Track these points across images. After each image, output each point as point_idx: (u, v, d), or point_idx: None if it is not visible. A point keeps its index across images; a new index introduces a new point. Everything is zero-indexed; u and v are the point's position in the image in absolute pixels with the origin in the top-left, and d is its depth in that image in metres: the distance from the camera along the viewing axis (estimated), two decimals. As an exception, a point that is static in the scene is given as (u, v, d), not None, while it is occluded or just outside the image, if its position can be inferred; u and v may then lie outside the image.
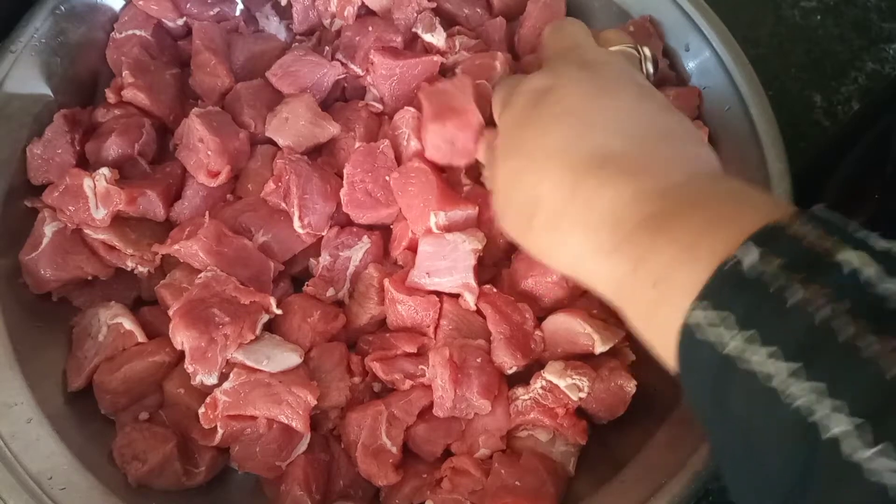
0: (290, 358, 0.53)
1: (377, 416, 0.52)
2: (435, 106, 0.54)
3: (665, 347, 0.31)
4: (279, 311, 0.54)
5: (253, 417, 0.51)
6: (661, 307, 0.31)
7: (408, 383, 0.54)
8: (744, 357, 0.26)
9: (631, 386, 0.54)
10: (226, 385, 0.51)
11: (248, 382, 0.51)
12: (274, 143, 0.62)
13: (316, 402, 0.51)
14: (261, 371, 0.51)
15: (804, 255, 0.26)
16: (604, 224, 0.35)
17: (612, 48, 0.46)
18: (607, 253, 0.35)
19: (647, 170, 0.35)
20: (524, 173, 0.40)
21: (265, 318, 0.54)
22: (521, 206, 0.40)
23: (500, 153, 0.43)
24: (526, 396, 0.53)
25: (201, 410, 0.51)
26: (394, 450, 0.52)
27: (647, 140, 0.37)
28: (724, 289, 0.27)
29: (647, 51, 0.47)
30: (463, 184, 0.60)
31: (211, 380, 0.51)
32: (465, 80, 0.55)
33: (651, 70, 0.48)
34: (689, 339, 0.28)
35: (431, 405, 0.54)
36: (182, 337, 0.50)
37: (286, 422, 0.51)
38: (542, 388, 0.53)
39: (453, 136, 0.54)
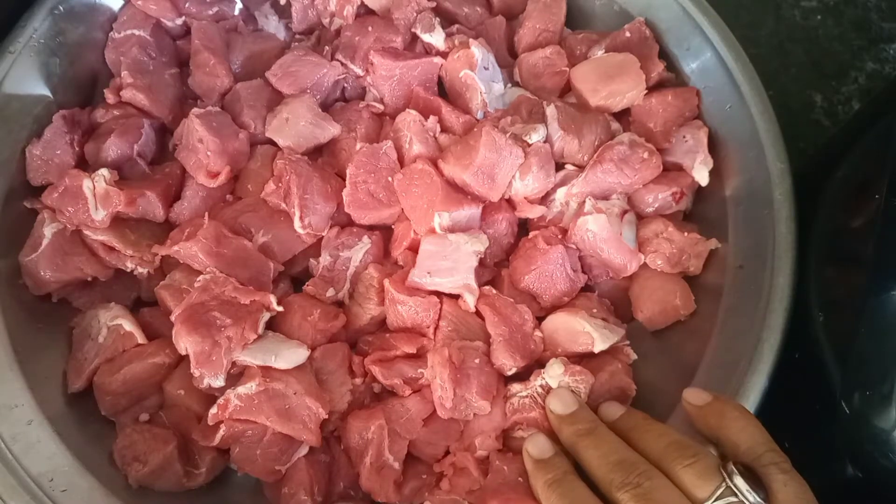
0: (298, 353, 0.53)
1: (380, 430, 0.52)
2: None
3: None
4: (280, 308, 0.54)
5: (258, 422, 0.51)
6: None
7: (407, 390, 0.54)
8: None
9: (632, 390, 0.54)
10: (241, 389, 0.50)
11: (265, 392, 0.51)
12: (274, 144, 0.61)
13: (326, 416, 0.52)
14: (279, 380, 0.51)
15: None
16: None
17: None
18: None
19: None
20: None
21: (266, 316, 0.54)
22: None
23: None
24: (523, 393, 0.53)
25: (213, 410, 0.51)
26: (396, 465, 0.52)
27: None
28: None
29: None
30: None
31: (218, 382, 0.51)
32: None
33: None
34: None
35: (432, 413, 0.54)
36: (185, 342, 0.50)
37: (295, 437, 0.51)
38: (540, 387, 0.53)
39: None
